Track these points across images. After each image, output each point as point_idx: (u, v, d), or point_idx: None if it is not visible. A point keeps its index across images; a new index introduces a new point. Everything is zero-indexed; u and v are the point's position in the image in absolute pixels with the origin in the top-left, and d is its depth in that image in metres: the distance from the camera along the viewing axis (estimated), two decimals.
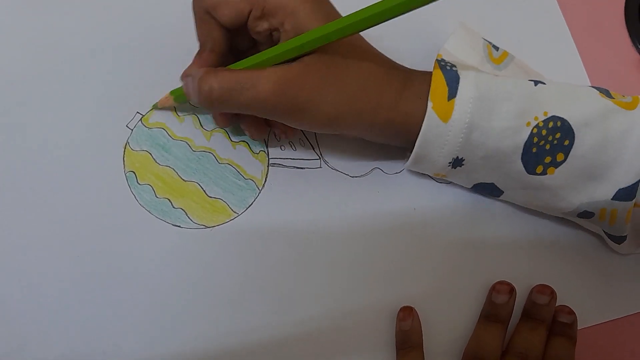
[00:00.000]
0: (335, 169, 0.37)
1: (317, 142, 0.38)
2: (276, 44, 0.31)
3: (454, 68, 0.32)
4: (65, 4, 0.37)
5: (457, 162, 0.33)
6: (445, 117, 0.31)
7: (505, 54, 0.39)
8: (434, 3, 0.27)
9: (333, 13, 0.31)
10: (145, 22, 0.38)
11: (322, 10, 0.31)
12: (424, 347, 0.34)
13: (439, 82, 0.31)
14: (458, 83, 0.31)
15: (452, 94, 0.31)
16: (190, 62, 0.33)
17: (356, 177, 0.37)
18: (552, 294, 0.36)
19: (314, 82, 0.30)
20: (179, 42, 0.37)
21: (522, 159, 0.32)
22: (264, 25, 0.31)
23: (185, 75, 0.32)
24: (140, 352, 0.33)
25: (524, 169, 0.32)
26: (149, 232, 0.34)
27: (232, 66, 0.32)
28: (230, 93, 0.30)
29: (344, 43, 0.31)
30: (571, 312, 0.35)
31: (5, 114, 0.35)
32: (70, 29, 0.37)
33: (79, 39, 0.37)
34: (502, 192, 0.36)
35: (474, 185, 0.36)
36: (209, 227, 0.35)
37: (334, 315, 0.35)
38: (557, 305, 0.36)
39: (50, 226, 0.33)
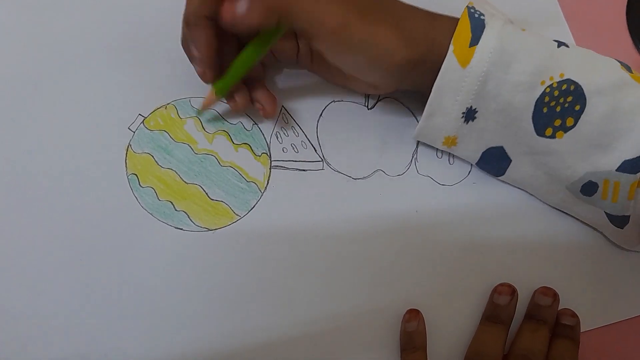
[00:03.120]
0: (337, 171, 0.37)
1: (319, 143, 0.38)
2: None
3: (482, 17, 0.33)
4: (66, 6, 0.37)
5: (470, 114, 0.33)
6: (464, 62, 0.32)
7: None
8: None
9: None
10: (147, 25, 0.38)
11: None
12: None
13: (464, 27, 0.32)
14: (482, 32, 0.32)
15: (475, 41, 0.32)
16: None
17: (358, 179, 0.37)
18: (555, 296, 0.36)
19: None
20: (180, 45, 0.37)
21: (532, 117, 0.33)
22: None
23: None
24: (143, 355, 0.33)
25: (533, 129, 0.33)
26: (151, 234, 0.34)
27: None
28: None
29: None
30: (574, 315, 0.35)
31: (7, 116, 0.35)
32: (72, 31, 0.37)
33: (80, 40, 0.37)
34: (510, 161, 0.36)
35: (483, 153, 0.36)
36: (211, 230, 0.35)
37: (337, 317, 0.35)
38: (560, 308, 0.36)
39: (53, 229, 0.33)
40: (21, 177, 0.34)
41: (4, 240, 0.33)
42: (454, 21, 0.33)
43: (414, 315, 0.35)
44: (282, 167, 0.37)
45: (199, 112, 0.36)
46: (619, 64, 0.34)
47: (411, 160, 0.38)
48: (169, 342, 0.33)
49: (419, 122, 0.35)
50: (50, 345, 0.32)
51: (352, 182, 0.37)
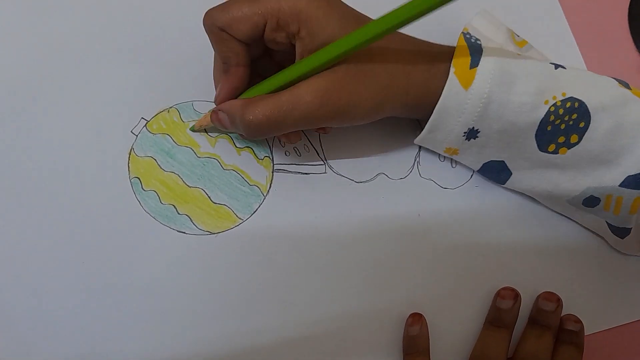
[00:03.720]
0: (340, 174, 0.37)
1: (321, 147, 0.38)
2: (295, 51, 0.31)
3: (478, 42, 0.33)
4: (69, 9, 0.37)
5: (471, 134, 0.33)
6: (466, 84, 0.31)
7: (525, 42, 0.39)
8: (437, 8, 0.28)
9: (349, 13, 0.31)
10: (150, 28, 0.38)
11: (337, 12, 0.31)
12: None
13: (462, 51, 0.32)
14: (481, 54, 0.32)
15: (475, 63, 0.31)
16: (213, 75, 0.33)
17: (361, 182, 0.37)
18: (559, 301, 0.36)
19: (350, 85, 0.31)
20: (184, 47, 0.37)
21: (536, 135, 0.32)
22: (281, 36, 0.31)
23: (217, 111, 0.33)
24: (146, 358, 0.33)
25: (536, 145, 0.33)
26: (153, 238, 0.34)
27: (259, 86, 0.32)
28: (276, 119, 0.31)
29: None
30: (578, 321, 0.35)
31: (10, 120, 0.35)
32: (75, 34, 0.37)
33: (83, 44, 0.37)
34: (510, 174, 0.36)
35: (484, 164, 0.36)
36: (214, 233, 0.35)
37: (339, 320, 0.35)
38: (563, 314, 0.36)
39: (56, 232, 0.33)
40: (24, 180, 0.34)
41: (7, 243, 0.33)
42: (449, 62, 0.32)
43: (416, 319, 0.35)
44: (284, 170, 0.37)
45: (192, 128, 0.36)
46: (617, 81, 0.34)
47: (413, 164, 0.38)
48: (172, 345, 0.33)
49: (420, 133, 0.34)
50: (52, 348, 0.32)
51: (355, 186, 0.37)
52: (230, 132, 0.36)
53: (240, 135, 0.36)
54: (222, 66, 0.32)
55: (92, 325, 0.33)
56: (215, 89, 0.33)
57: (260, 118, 0.31)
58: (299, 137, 0.35)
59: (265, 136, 0.33)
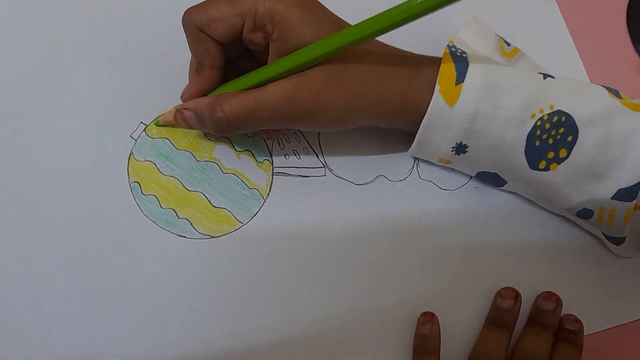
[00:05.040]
0: (339, 177, 0.37)
1: (321, 150, 0.38)
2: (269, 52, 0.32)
3: (464, 54, 0.32)
4: (67, 12, 0.37)
5: (460, 149, 0.33)
6: (451, 101, 0.31)
7: (517, 50, 0.39)
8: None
9: (327, 18, 0.31)
10: (148, 31, 0.38)
11: (314, 16, 0.30)
12: None
13: (447, 66, 0.32)
14: (467, 69, 0.31)
15: (460, 79, 0.31)
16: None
17: (361, 184, 0.37)
18: (558, 300, 0.36)
19: (318, 88, 0.31)
20: (182, 52, 0.37)
21: (525, 151, 0.32)
22: (259, 36, 0.31)
23: (182, 110, 0.33)
24: None
25: (527, 163, 0.33)
26: (154, 242, 0.34)
27: (230, 84, 0.33)
28: (244, 117, 0.31)
29: None
30: (577, 320, 0.36)
31: (8, 124, 0.35)
32: (73, 38, 0.37)
33: (81, 48, 0.37)
34: (505, 182, 0.36)
35: (478, 173, 0.36)
36: (214, 237, 0.35)
37: (339, 322, 0.35)
38: (563, 313, 0.36)
39: (55, 237, 0.33)
40: (23, 185, 0.34)
41: (6, 246, 0.33)
42: (434, 73, 0.32)
43: (428, 318, 0.35)
44: (284, 173, 0.37)
45: (157, 122, 0.36)
46: (607, 90, 0.33)
47: (413, 166, 0.38)
48: (172, 348, 0.33)
49: (412, 146, 0.34)
50: (52, 351, 0.32)
51: (355, 188, 0.37)
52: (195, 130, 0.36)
53: (205, 133, 0.36)
54: (196, 64, 0.32)
55: (92, 329, 0.33)
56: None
57: (228, 115, 0.31)
58: (278, 133, 0.36)
59: (233, 133, 0.33)
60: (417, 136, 0.33)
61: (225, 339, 0.34)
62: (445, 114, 0.31)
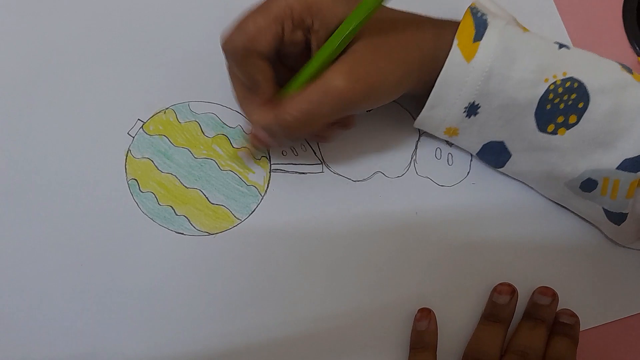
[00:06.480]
0: (337, 174, 0.37)
1: (318, 146, 0.38)
2: (310, 47, 0.32)
3: (484, 17, 0.33)
4: (65, 11, 0.37)
5: (472, 109, 0.33)
6: (468, 57, 0.32)
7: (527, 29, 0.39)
8: None
9: None
10: (146, 29, 0.38)
11: None
12: None
13: (467, 24, 0.32)
14: (485, 29, 0.32)
15: (478, 37, 0.32)
16: (242, 97, 0.33)
17: (358, 181, 0.38)
18: (554, 295, 0.36)
19: (372, 60, 0.31)
20: (179, 48, 0.37)
21: (535, 114, 0.33)
22: (298, 35, 0.31)
23: (255, 133, 0.33)
24: (145, 359, 0.33)
25: (535, 125, 0.33)
26: (152, 239, 0.34)
27: (281, 92, 0.32)
28: (312, 111, 0.31)
29: (373, 20, 0.31)
30: (573, 315, 0.36)
31: (6, 122, 0.35)
32: (70, 36, 0.37)
33: (78, 46, 0.37)
34: (509, 156, 0.36)
35: (483, 145, 0.36)
36: (212, 234, 0.35)
37: (338, 318, 0.35)
38: (559, 307, 0.36)
39: (53, 235, 0.33)
40: (21, 183, 0.34)
41: (4, 245, 0.33)
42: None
43: (425, 314, 0.35)
44: (281, 170, 0.37)
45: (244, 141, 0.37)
46: (620, 65, 0.34)
47: (410, 162, 0.39)
48: (171, 346, 0.33)
49: (421, 112, 0.34)
50: (50, 350, 0.32)
51: (352, 185, 0.37)
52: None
53: (279, 144, 0.36)
54: (250, 86, 0.32)
55: (91, 326, 0.33)
56: (243, 110, 0.34)
57: (295, 115, 0.30)
58: (333, 133, 0.36)
59: (305, 132, 0.33)
60: (431, 95, 0.33)
61: (223, 336, 0.34)
62: (461, 70, 0.32)
